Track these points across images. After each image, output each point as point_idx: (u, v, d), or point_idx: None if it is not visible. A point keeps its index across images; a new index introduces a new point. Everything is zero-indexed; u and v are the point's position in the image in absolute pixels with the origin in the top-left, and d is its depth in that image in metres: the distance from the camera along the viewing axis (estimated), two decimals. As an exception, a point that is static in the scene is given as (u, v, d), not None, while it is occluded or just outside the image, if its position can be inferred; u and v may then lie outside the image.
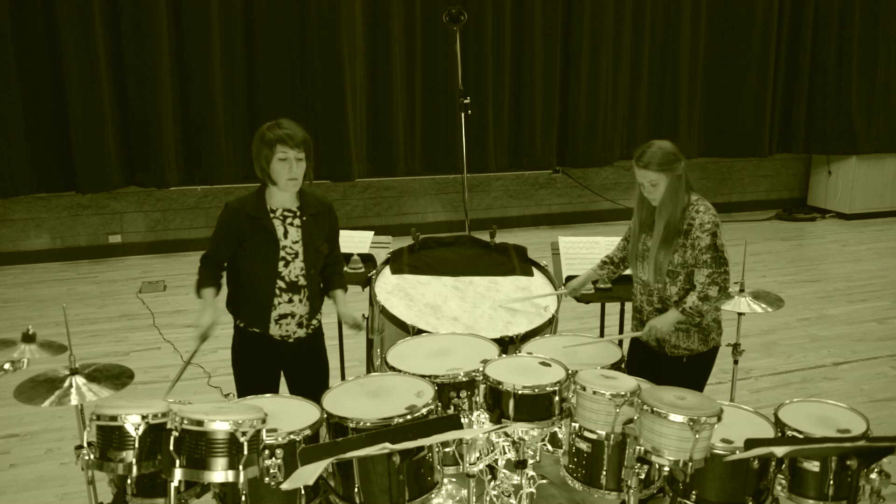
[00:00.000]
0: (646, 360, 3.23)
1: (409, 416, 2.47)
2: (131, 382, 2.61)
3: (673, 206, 3.00)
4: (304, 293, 3.07)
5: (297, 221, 3.03)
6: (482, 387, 2.73)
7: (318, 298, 3.15)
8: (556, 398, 2.66)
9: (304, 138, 2.92)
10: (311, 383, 3.11)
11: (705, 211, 3.01)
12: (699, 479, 2.48)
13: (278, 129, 2.90)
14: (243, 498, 2.32)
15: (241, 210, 2.98)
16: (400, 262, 3.83)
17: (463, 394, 2.76)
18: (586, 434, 2.62)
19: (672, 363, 3.15)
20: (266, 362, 3.13)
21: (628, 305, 4.10)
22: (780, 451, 2.23)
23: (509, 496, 2.62)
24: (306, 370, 3.22)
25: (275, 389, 3.13)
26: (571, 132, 8.21)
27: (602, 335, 4.04)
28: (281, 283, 3.01)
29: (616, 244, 3.50)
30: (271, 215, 2.99)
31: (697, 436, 2.30)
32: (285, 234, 3.00)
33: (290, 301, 3.04)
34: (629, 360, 3.32)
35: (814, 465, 2.41)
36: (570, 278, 3.94)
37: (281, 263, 3.00)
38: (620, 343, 3.29)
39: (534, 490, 2.62)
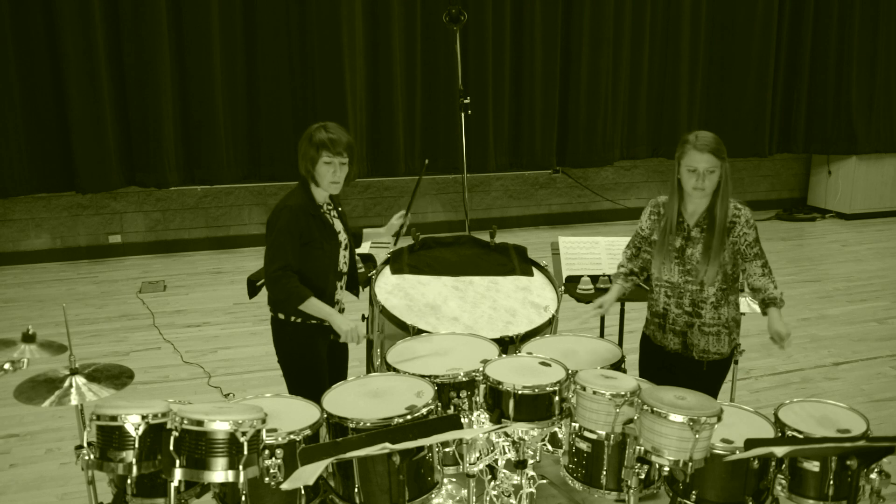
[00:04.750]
0: (659, 362, 3.15)
1: (409, 416, 2.47)
2: (131, 382, 2.61)
3: (726, 199, 2.91)
4: (344, 279, 3.23)
5: (335, 213, 3.17)
6: (482, 387, 2.73)
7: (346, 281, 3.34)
8: (556, 398, 2.66)
9: (349, 143, 3.00)
10: (341, 366, 3.30)
11: (743, 206, 2.97)
12: (699, 479, 2.47)
13: (325, 132, 2.96)
14: (243, 498, 2.32)
15: (303, 209, 3.01)
16: (400, 262, 3.83)
17: (463, 394, 2.76)
18: (586, 434, 2.62)
19: (693, 367, 3.05)
20: (321, 352, 3.17)
21: (628, 306, 4.11)
22: (780, 451, 2.23)
23: (509, 496, 2.62)
24: (339, 352, 3.31)
25: (327, 380, 3.09)
26: (571, 132, 8.21)
27: (602, 335, 4.04)
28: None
29: (623, 252, 3.30)
30: (322, 210, 3.09)
31: (697, 436, 2.30)
32: (334, 227, 3.13)
33: (339, 289, 3.21)
34: (641, 362, 3.28)
35: (814, 465, 2.41)
36: (570, 278, 3.95)
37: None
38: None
39: (534, 490, 2.62)
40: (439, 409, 2.62)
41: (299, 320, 3.09)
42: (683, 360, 3.08)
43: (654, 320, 3.17)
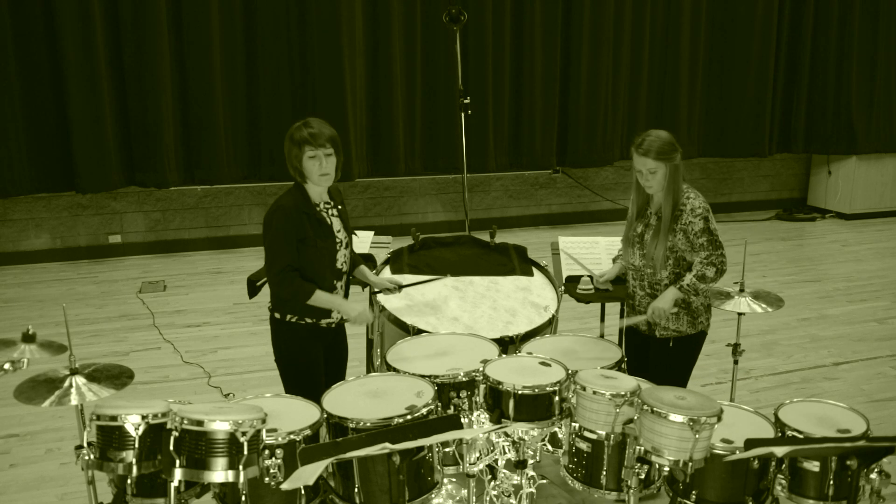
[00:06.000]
0: (636, 344, 3.34)
1: (409, 416, 2.47)
2: (131, 382, 2.62)
3: (674, 195, 3.09)
4: (344, 278, 3.20)
5: (334, 212, 3.15)
6: (482, 387, 2.74)
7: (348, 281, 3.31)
8: (556, 398, 2.66)
9: (331, 135, 2.99)
10: (340, 368, 3.27)
11: (695, 197, 3.14)
12: (699, 479, 2.48)
13: (304, 128, 2.96)
14: (243, 498, 2.32)
15: (296, 208, 3.00)
16: (400, 262, 3.83)
17: (463, 394, 2.76)
18: (586, 434, 2.62)
19: (660, 346, 3.22)
20: (317, 354, 3.16)
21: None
22: (780, 451, 2.23)
23: (509, 496, 2.62)
24: (338, 354, 3.30)
25: (322, 382, 3.08)
26: (571, 132, 8.21)
27: (602, 335, 4.03)
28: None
29: (617, 244, 3.55)
30: (318, 209, 3.07)
31: (697, 436, 2.30)
32: (332, 225, 3.11)
33: (339, 287, 3.18)
34: (626, 347, 3.41)
35: (814, 465, 2.41)
36: (570, 278, 3.95)
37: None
38: (622, 332, 3.35)
39: (534, 490, 2.62)
40: (439, 409, 2.62)
41: (295, 319, 3.09)
42: (652, 340, 3.24)
43: (628, 302, 3.39)
